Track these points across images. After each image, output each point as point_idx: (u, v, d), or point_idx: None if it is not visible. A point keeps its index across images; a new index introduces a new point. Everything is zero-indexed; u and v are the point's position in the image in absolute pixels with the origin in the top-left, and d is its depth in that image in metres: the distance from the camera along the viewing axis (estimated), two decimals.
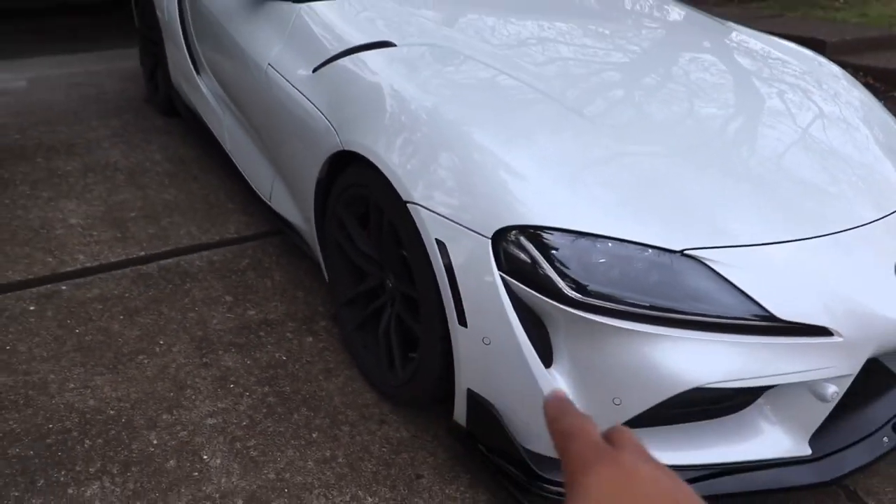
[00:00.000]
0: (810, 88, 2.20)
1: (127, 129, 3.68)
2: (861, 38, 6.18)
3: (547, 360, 1.49)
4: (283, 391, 2.00)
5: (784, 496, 1.74)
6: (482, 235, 1.49)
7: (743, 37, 2.56)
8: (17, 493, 1.66)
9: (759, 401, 1.58)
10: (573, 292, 1.41)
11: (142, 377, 2.03)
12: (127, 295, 2.39)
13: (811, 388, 1.52)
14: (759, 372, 1.45)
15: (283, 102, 2.19)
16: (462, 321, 1.55)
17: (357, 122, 1.84)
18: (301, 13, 2.26)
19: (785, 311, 1.44)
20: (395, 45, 1.99)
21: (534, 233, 1.45)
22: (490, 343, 1.52)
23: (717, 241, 1.47)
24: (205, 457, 1.78)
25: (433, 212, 1.57)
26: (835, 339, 1.47)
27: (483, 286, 1.49)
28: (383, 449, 1.83)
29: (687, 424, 1.59)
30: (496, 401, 1.58)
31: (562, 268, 1.43)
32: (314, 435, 1.86)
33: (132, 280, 2.47)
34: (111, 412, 1.91)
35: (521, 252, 1.46)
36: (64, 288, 2.41)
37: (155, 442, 1.82)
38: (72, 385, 1.99)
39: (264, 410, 1.93)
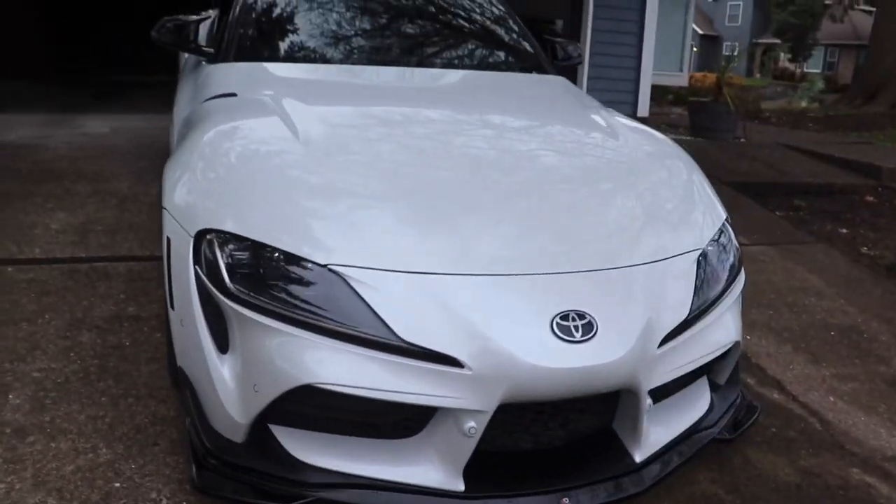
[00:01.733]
0: (600, 157, 2.36)
1: (148, 169, 4.43)
2: None
3: (224, 348, 1.78)
4: (106, 365, 2.41)
5: None
6: (188, 234, 1.85)
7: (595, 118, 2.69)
8: None
9: (426, 430, 1.72)
10: (234, 289, 1.71)
11: (13, 337, 2.53)
12: (50, 282, 2.94)
13: (455, 422, 1.66)
14: (378, 385, 1.62)
15: (175, 138, 2.71)
16: (172, 305, 1.89)
17: (175, 150, 2.30)
18: (209, 71, 2.81)
19: (412, 335, 1.62)
20: (235, 96, 2.45)
21: (216, 237, 1.79)
22: (184, 326, 1.84)
23: (366, 262, 1.71)
24: (10, 396, 2.21)
25: (170, 214, 1.96)
26: (464, 371, 1.61)
27: (184, 276, 1.83)
28: (145, 420, 2.15)
29: (363, 439, 1.76)
30: (192, 378, 1.87)
31: (232, 268, 1.74)
32: (102, 399, 2.23)
33: (62, 273, 3.03)
34: None
35: (209, 252, 1.79)
36: (10, 269, 3.02)
37: None
38: None
39: (80, 375, 2.34)
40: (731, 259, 2.13)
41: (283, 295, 1.69)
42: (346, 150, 2.11)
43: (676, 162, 2.41)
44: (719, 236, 2.13)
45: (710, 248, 2.06)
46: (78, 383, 2.30)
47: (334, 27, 3.05)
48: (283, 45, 3.03)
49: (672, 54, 9.19)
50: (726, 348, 2.00)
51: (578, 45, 3.59)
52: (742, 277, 2.16)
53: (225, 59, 2.82)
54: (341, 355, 1.64)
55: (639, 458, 1.83)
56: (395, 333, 1.63)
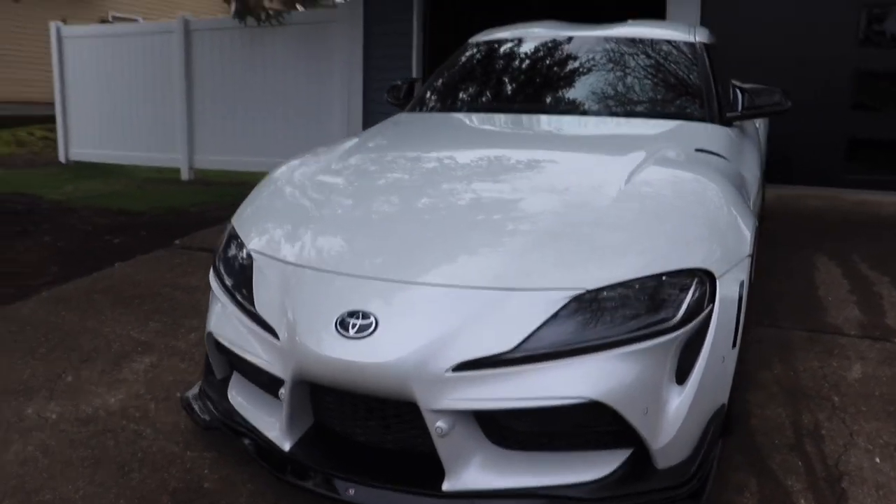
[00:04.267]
0: (572, 197, 2.29)
1: None
2: None
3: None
4: None
5: None
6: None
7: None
8: None
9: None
10: (219, 272, 2.38)
11: (198, 327, 3.97)
12: None
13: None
14: (237, 341, 2.14)
15: None
16: None
17: None
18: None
19: (261, 306, 2.07)
20: (357, 138, 3.20)
21: (231, 227, 2.52)
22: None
23: (264, 250, 2.24)
24: (144, 360, 3.59)
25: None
26: (277, 342, 1.97)
27: None
28: None
29: (269, 396, 2.18)
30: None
31: (221, 249, 2.49)
32: None
33: None
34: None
35: (224, 237, 2.53)
36: None
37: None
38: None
39: None
40: (654, 312, 1.88)
41: (228, 269, 2.35)
42: (347, 181, 2.59)
43: (673, 210, 2.20)
44: (639, 285, 1.90)
45: (601, 293, 1.88)
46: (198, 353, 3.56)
47: (484, 83, 3.78)
48: (438, 99, 3.78)
49: None
50: (562, 403, 1.79)
51: (777, 90, 3.17)
52: (673, 338, 1.88)
53: (402, 110, 3.72)
54: (230, 316, 2.21)
55: (446, 486, 1.84)
56: (252, 303, 2.11)
